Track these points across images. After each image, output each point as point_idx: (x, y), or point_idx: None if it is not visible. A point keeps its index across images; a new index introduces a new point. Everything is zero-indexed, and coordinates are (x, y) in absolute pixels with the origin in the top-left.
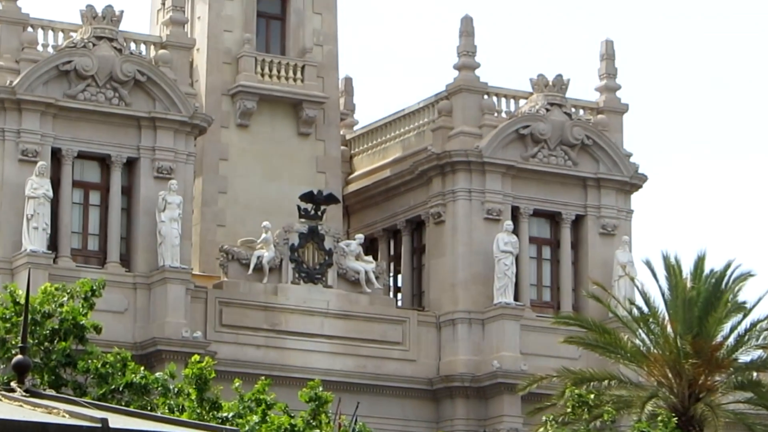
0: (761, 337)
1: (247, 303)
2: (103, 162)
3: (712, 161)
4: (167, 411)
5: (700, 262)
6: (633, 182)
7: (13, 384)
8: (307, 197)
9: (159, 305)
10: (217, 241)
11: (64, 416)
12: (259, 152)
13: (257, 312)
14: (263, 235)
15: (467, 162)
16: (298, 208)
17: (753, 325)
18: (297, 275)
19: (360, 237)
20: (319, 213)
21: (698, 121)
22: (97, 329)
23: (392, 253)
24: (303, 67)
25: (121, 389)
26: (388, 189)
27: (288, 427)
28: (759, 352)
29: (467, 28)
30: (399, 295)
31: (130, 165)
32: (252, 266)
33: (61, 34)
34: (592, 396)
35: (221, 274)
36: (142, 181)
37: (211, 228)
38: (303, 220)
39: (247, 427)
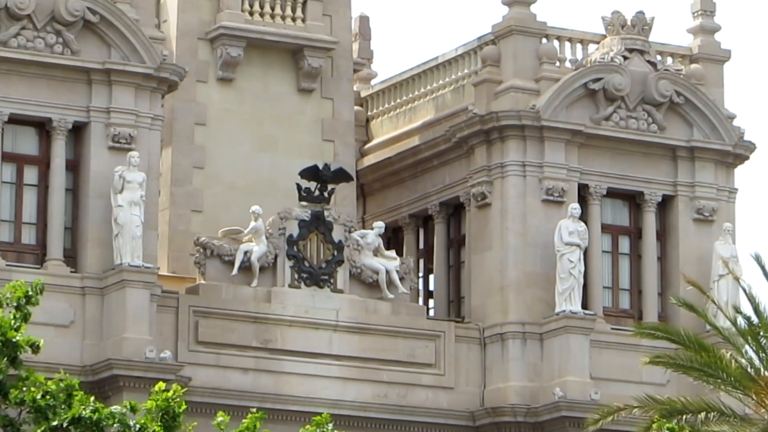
0: None
1: (232, 313)
2: (42, 128)
3: None
4: None
5: None
6: (737, 152)
7: None
8: (309, 173)
9: (115, 316)
10: (192, 231)
11: None
12: (247, 115)
13: (245, 325)
14: (252, 224)
15: (520, 126)
16: (299, 187)
17: None
18: (297, 276)
19: (380, 225)
20: (326, 194)
21: None
22: (35, 348)
23: (422, 246)
24: (304, 3)
25: (65, 426)
26: (416, 162)
27: None
28: None
29: None
30: (431, 302)
31: (78, 132)
32: (237, 265)
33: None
34: None
35: (197, 275)
36: (93, 152)
37: (183, 214)
38: (305, 203)
39: None
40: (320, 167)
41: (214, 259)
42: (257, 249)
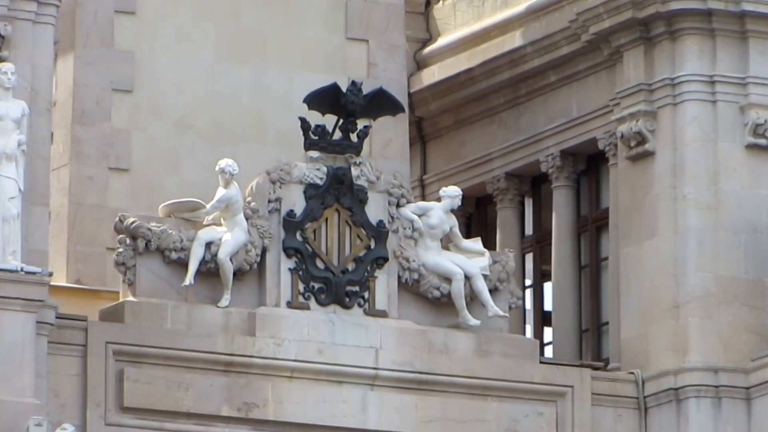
0: None
1: (183, 356)
2: None
3: None
4: None
5: None
6: None
7: None
8: (324, 100)
9: None
10: (112, 206)
11: None
12: None
13: (207, 377)
14: (221, 192)
15: (705, 13)
16: (304, 125)
17: None
18: (303, 288)
19: (452, 193)
20: (354, 137)
21: None
22: None
23: (529, 230)
24: None
25: None
26: (516, 79)
27: None
28: None
29: None
30: (547, 332)
31: None
32: (194, 268)
33: None
34: None
35: (121, 287)
36: None
37: (97, 177)
38: (315, 153)
39: None
40: (343, 89)
41: (150, 256)
42: (229, 238)
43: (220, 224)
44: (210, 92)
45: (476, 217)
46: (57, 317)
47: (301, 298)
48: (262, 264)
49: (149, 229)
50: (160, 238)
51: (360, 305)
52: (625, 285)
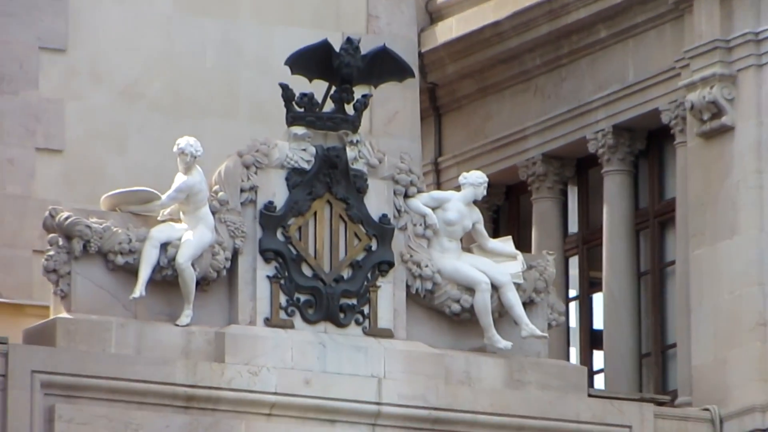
0: None
1: (132, 388)
2: None
3: None
4: None
5: None
6: None
7: None
8: (311, 62)
9: None
10: (39, 197)
11: None
12: None
13: (164, 415)
14: (179, 179)
15: None
16: (286, 93)
17: None
18: (286, 300)
19: (476, 180)
20: (350, 108)
21: None
22: None
23: (573, 228)
24: None
25: None
26: (555, 36)
27: None
28: None
29: None
30: (596, 357)
31: None
32: (145, 276)
33: None
34: None
35: (52, 300)
36: None
37: (19, 159)
38: (300, 129)
39: None
40: (336, 48)
41: (90, 261)
42: (191, 238)
43: (179, 220)
44: (166, 52)
45: (506, 211)
46: None
47: (283, 314)
48: (233, 270)
49: (88, 227)
50: (103, 238)
51: (358, 323)
52: (696, 297)
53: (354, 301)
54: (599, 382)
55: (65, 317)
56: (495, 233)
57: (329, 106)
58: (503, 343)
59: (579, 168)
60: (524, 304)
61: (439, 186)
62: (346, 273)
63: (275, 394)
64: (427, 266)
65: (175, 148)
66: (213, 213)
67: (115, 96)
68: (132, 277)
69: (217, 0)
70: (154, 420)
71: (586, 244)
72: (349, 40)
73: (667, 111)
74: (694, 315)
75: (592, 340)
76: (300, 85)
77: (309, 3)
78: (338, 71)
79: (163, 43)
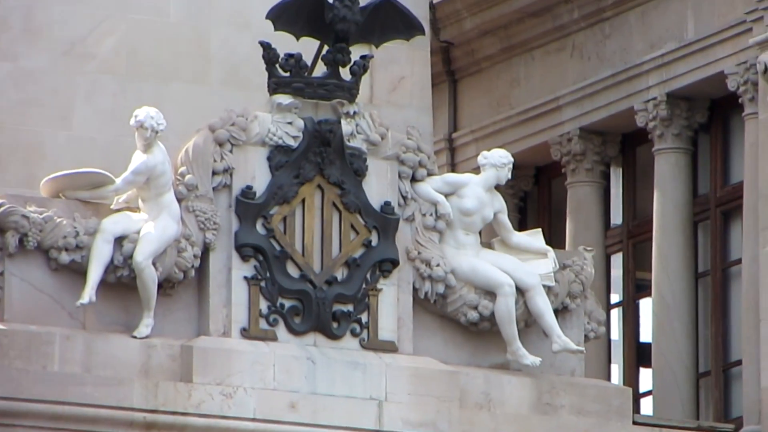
0: None
1: (78, 413)
2: None
3: None
4: None
5: None
6: None
7: None
8: (298, 14)
9: None
10: None
11: None
12: None
13: None
14: (139, 158)
15: None
16: (268, 54)
17: None
18: (268, 307)
19: (498, 160)
20: (348, 72)
21: None
22: None
23: (617, 218)
24: None
25: None
26: None
27: None
28: None
29: None
30: (643, 375)
31: None
32: (95, 277)
33: None
34: None
35: None
36: None
37: None
38: (284, 98)
39: None
40: (334, 1)
41: (27, 259)
42: (152, 231)
43: (137, 209)
44: (120, 3)
45: (535, 198)
46: None
47: (263, 324)
48: (203, 270)
49: (25, 217)
50: (43, 231)
51: (355, 334)
52: (767, 303)
53: (350, 308)
54: (646, 406)
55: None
56: (522, 225)
57: (320, 70)
58: (530, 359)
59: (624, 146)
60: (556, 312)
61: (453, 167)
62: (340, 273)
63: (254, 420)
64: (438, 265)
65: (132, 121)
66: (179, 200)
67: (58, 57)
68: (79, 279)
69: None
70: None
71: (632, 239)
72: None
73: (735, 75)
74: (765, 326)
75: (639, 355)
76: (285, 44)
77: None
78: (331, 27)
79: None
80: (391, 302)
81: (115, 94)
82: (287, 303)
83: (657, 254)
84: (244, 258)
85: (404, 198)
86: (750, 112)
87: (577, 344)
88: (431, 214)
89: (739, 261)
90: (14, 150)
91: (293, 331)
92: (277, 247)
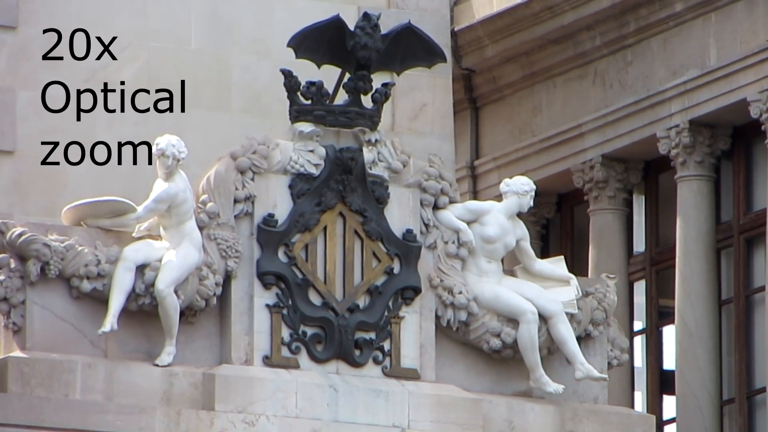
0: None
1: None
2: None
3: None
4: None
5: None
6: None
7: None
8: (319, 41)
9: None
10: None
11: None
12: None
13: None
14: (160, 187)
15: None
16: (289, 82)
17: None
18: (292, 335)
19: (520, 187)
20: (369, 99)
21: None
22: None
23: (640, 245)
24: None
25: None
26: (623, 11)
27: None
28: None
29: None
30: (671, 403)
31: None
32: (118, 305)
33: None
34: None
35: (3, 336)
36: None
37: None
38: (306, 126)
39: None
40: (350, 26)
41: (49, 288)
42: (173, 259)
43: (158, 237)
44: (140, 30)
45: (557, 225)
46: None
47: (285, 351)
48: (224, 298)
49: (47, 245)
50: (65, 259)
51: (377, 361)
52: None
53: (372, 336)
54: None
55: (18, 356)
56: (544, 253)
57: (342, 98)
58: (553, 386)
59: (647, 173)
60: (579, 339)
61: (475, 195)
62: (362, 301)
63: None
64: (460, 293)
65: (153, 149)
66: (200, 228)
67: (78, 83)
68: (101, 307)
69: None
70: None
71: (655, 266)
72: (366, 16)
73: (757, 102)
74: None
75: (662, 382)
76: (306, 71)
77: None
78: (353, 54)
79: (136, 19)
80: (414, 330)
81: (136, 122)
82: (309, 331)
83: (680, 281)
84: (266, 286)
85: (426, 225)
86: None
87: (600, 371)
88: (453, 242)
89: (762, 288)
90: (36, 178)
91: (315, 358)
92: (299, 275)
